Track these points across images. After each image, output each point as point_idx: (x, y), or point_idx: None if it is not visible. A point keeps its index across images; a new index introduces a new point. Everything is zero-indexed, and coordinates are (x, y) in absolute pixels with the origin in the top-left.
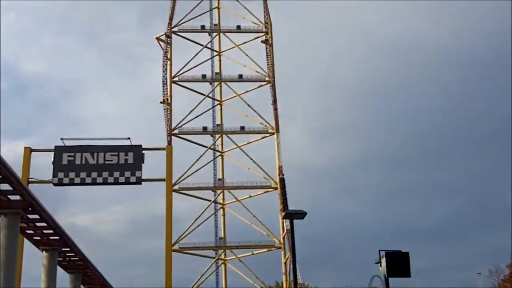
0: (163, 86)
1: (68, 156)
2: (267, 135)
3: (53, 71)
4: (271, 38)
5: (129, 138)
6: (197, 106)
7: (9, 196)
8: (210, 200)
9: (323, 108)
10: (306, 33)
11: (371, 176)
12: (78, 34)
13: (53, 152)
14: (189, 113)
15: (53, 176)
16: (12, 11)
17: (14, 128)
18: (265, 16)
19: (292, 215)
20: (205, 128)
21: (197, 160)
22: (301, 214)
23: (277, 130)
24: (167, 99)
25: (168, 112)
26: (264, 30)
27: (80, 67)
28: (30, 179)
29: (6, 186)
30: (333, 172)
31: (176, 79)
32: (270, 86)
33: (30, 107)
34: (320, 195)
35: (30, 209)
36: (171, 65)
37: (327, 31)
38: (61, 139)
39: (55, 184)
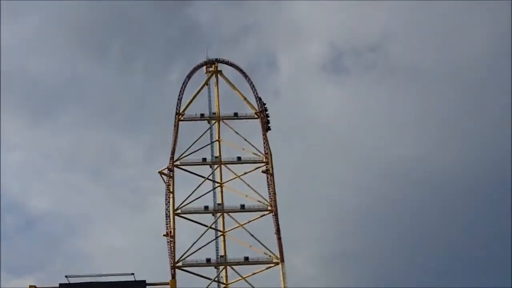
0: (166, 219)
1: None
2: (272, 265)
3: (59, 207)
4: (272, 168)
5: (133, 274)
6: (200, 237)
7: None
8: None
9: (329, 236)
10: (308, 160)
11: None
12: (84, 170)
13: None
14: (192, 245)
15: None
16: (17, 148)
17: (21, 265)
18: (264, 147)
19: None
20: (208, 260)
21: None
22: None
23: (282, 260)
24: (170, 231)
25: (172, 244)
26: (264, 160)
27: (85, 202)
28: None
29: None
30: None
31: (178, 211)
32: (273, 215)
33: (36, 243)
34: None
35: None
36: (173, 198)
37: (330, 157)
38: (66, 276)
39: None
